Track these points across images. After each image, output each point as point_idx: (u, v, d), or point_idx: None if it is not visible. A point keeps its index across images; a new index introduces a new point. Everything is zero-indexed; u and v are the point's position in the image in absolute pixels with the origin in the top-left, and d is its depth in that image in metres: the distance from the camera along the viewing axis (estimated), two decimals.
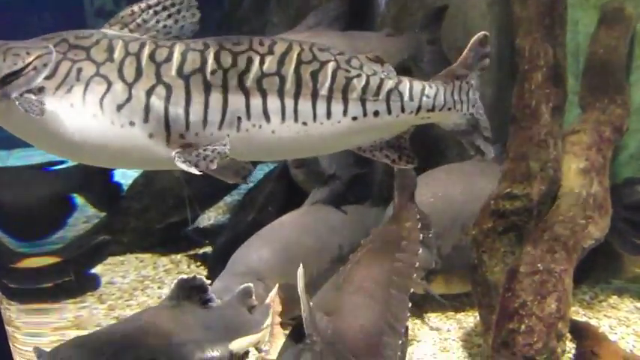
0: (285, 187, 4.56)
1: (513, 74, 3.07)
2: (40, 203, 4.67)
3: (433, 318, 3.69)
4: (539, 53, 2.92)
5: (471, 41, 2.34)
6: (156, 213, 5.00)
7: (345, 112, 2.20)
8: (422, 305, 3.76)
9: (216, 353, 2.61)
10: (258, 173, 5.38)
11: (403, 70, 2.97)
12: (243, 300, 3.03)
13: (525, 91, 2.83)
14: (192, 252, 4.87)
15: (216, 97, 2.14)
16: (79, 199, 4.94)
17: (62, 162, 4.53)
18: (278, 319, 3.09)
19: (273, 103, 2.16)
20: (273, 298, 3.21)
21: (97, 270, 4.52)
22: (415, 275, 2.51)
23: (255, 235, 3.67)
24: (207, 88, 2.14)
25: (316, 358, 1.96)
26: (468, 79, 2.37)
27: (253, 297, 3.04)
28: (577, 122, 3.34)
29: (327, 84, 2.18)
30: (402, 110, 2.27)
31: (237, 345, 2.78)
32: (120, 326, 2.56)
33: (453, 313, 3.73)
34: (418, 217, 2.77)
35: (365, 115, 2.22)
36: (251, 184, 5.24)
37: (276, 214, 3.81)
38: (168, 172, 4.80)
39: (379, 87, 2.24)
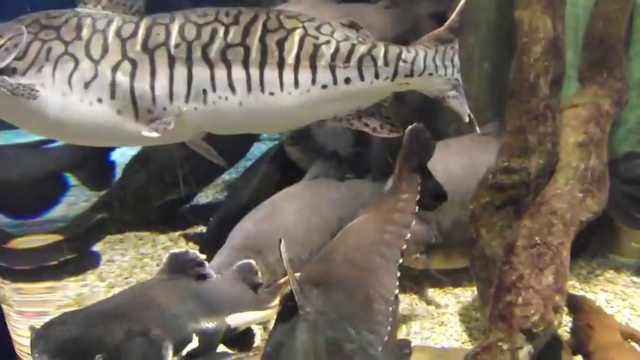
0: (280, 166, 4.56)
1: (512, 48, 3.04)
2: (31, 182, 4.66)
3: (431, 293, 3.71)
4: (538, 26, 2.89)
5: (459, 5, 2.29)
6: (154, 191, 5.01)
7: (313, 81, 2.15)
8: (420, 280, 3.78)
9: (211, 325, 2.61)
10: (256, 152, 5.39)
11: (403, 44, 2.94)
12: (243, 275, 3.03)
13: (524, 64, 2.81)
14: (190, 230, 4.88)
15: (180, 71, 2.12)
16: (71, 178, 4.94)
17: (54, 140, 4.52)
18: None
19: (238, 73, 2.13)
20: (285, 280, 3.21)
21: (96, 248, 4.55)
22: (408, 247, 2.49)
23: (255, 209, 3.66)
24: (172, 61, 2.12)
25: (311, 328, 1.96)
26: (453, 43, 2.32)
27: (259, 274, 3.04)
28: (576, 96, 3.32)
29: (294, 52, 2.13)
30: (376, 76, 2.21)
31: (235, 319, 2.78)
32: (111, 300, 2.53)
33: (450, 287, 3.75)
34: (424, 187, 2.69)
35: (335, 82, 2.17)
36: (249, 163, 5.27)
37: (272, 193, 3.79)
38: (166, 150, 4.80)
39: (350, 53, 2.18)
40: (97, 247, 4.57)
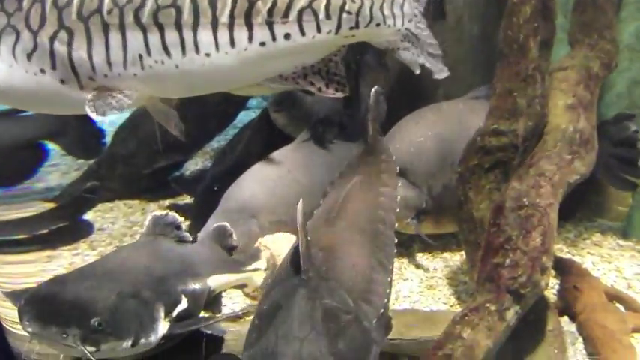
0: (265, 133, 4.53)
1: (501, 11, 3.01)
2: (5, 151, 4.58)
3: (420, 256, 3.74)
4: None
5: None
6: (142, 159, 4.97)
7: (250, 39, 2.08)
8: (409, 245, 3.80)
9: (197, 286, 2.62)
10: (245, 119, 5.35)
11: None
12: (218, 239, 3.03)
13: (513, 25, 2.77)
14: (180, 199, 4.87)
15: (115, 37, 2.09)
16: (52, 146, 4.87)
17: None
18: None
19: (172, 37, 2.09)
20: (264, 243, 3.21)
21: (88, 216, 4.54)
22: (399, 211, 2.49)
23: (247, 172, 3.65)
24: (106, 28, 2.08)
25: (311, 295, 1.96)
26: None
27: (233, 237, 3.05)
28: (565, 58, 3.30)
29: (228, 10, 2.06)
30: (319, 31, 2.12)
31: (214, 281, 2.78)
32: (99, 263, 2.50)
33: (439, 251, 3.77)
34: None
35: (274, 39, 2.08)
36: (236, 130, 5.23)
37: (256, 160, 3.76)
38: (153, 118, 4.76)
39: (288, 7, 2.08)
40: (87, 216, 4.56)
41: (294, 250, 2.09)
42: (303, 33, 2.11)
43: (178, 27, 2.08)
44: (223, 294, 3.08)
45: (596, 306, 3.00)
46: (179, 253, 2.71)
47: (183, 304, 2.44)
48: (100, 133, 5.07)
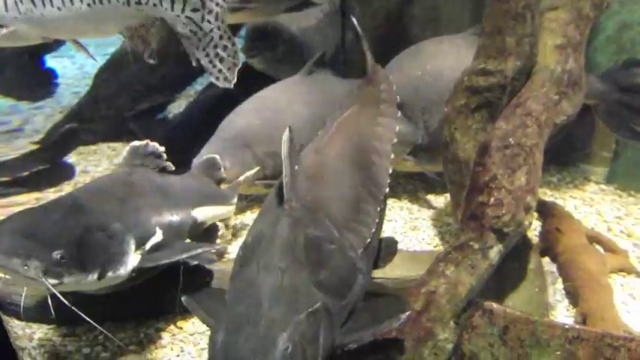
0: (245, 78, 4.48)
1: None
2: None
3: (404, 198, 3.75)
4: None
5: None
6: (124, 100, 4.90)
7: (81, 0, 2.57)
8: (393, 186, 3.81)
9: (175, 218, 2.57)
10: None
11: None
12: (207, 171, 2.98)
13: None
14: None
15: None
16: None
17: None
18: None
19: None
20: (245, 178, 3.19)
21: (71, 159, 4.49)
22: (395, 147, 2.45)
23: (245, 102, 3.59)
24: None
25: (294, 224, 1.94)
26: None
27: (222, 170, 3.01)
28: None
29: None
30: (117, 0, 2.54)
31: (201, 213, 2.74)
32: (69, 196, 2.42)
33: (423, 193, 3.79)
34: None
35: (95, 3, 2.55)
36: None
37: (225, 109, 3.68)
38: (136, 58, 4.66)
39: None
40: (71, 159, 4.52)
41: (280, 180, 2.07)
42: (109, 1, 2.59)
43: None
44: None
45: (577, 248, 3.04)
46: (159, 184, 2.65)
47: (158, 236, 2.39)
48: (50, 73, 4.93)
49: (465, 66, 2.88)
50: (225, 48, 2.63)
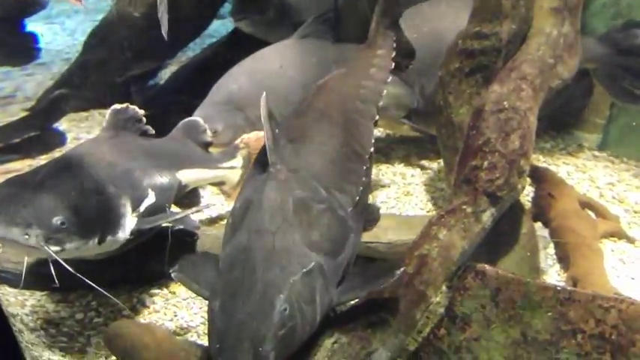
0: (230, 44, 4.42)
1: None
2: None
3: (397, 163, 3.74)
4: None
5: None
6: (114, 66, 4.83)
7: None
8: (387, 152, 3.80)
9: (165, 179, 2.56)
10: (221, 29, 5.20)
11: None
12: (190, 134, 2.94)
13: None
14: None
15: None
16: None
17: None
18: None
19: None
20: (246, 141, 3.15)
21: (63, 126, 4.44)
22: (391, 111, 2.43)
23: (237, 65, 3.54)
24: None
25: (280, 187, 1.94)
26: None
27: (206, 132, 2.98)
28: None
29: None
30: None
31: (185, 176, 2.72)
32: (59, 160, 2.36)
33: (416, 158, 3.78)
34: (396, 44, 2.61)
35: None
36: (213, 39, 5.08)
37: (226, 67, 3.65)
38: (125, 23, 4.60)
39: None
40: (62, 126, 4.48)
41: (263, 146, 2.06)
42: None
43: None
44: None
45: (569, 213, 3.06)
46: (144, 147, 2.62)
47: (151, 198, 2.37)
48: (31, 37, 4.86)
49: (463, 27, 2.83)
50: None
